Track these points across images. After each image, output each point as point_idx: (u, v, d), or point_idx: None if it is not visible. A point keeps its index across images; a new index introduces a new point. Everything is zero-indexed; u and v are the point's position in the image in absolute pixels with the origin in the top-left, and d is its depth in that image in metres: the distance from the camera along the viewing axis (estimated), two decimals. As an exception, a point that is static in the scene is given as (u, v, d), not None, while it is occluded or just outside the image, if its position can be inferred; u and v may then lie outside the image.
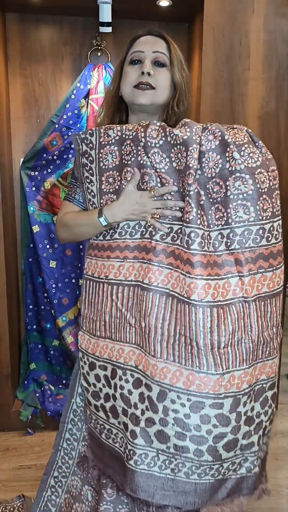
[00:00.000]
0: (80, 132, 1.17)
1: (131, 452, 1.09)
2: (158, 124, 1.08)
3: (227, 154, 1.02)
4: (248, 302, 1.03)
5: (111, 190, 1.15)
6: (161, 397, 1.05)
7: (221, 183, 1.02)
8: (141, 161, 1.10)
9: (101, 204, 1.16)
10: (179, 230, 1.05)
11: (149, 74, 1.17)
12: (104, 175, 1.15)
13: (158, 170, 1.07)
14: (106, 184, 1.15)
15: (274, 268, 1.06)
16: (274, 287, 1.07)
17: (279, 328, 1.11)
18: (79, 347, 1.24)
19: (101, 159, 1.14)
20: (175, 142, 1.04)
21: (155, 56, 1.20)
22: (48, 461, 1.44)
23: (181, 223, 1.05)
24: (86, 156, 1.16)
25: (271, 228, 1.04)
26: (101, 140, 1.14)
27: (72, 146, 2.07)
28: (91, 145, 1.15)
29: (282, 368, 2.61)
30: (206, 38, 2.10)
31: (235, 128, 1.09)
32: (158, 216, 1.09)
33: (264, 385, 1.10)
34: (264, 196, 1.02)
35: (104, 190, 1.16)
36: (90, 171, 1.16)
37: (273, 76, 2.20)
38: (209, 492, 1.08)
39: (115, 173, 1.14)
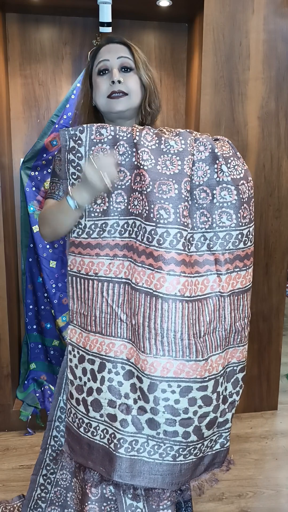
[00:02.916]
0: (70, 128, 1.18)
1: (121, 440, 1.15)
2: (153, 130, 1.14)
3: (215, 166, 1.12)
4: (224, 297, 1.15)
5: None
6: (151, 389, 1.11)
7: (208, 191, 1.13)
8: (135, 162, 1.13)
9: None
10: (152, 231, 1.09)
11: (119, 81, 1.21)
12: None
13: (141, 167, 1.10)
14: None
15: (247, 267, 1.20)
16: (246, 283, 1.20)
17: (249, 319, 1.24)
18: (69, 341, 1.27)
19: (91, 156, 1.15)
20: (168, 150, 1.11)
21: (121, 61, 1.23)
22: (36, 460, 1.47)
23: (169, 225, 1.08)
24: (74, 152, 1.17)
25: (248, 233, 1.17)
26: (92, 137, 1.15)
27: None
28: (79, 141, 1.16)
29: (282, 368, 2.61)
30: (206, 38, 2.11)
31: (219, 139, 1.20)
32: (110, 183, 1.09)
33: (235, 368, 1.23)
34: (244, 205, 1.15)
35: None
36: (78, 168, 1.17)
37: (273, 76, 2.20)
38: (191, 470, 1.19)
39: None
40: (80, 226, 1.20)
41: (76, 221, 1.19)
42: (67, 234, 1.23)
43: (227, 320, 1.16)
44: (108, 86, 1.22)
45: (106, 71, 1.23)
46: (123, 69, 1.23)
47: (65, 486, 1.44)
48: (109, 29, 2.05)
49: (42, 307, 2.46)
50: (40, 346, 2.51)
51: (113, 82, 1.21)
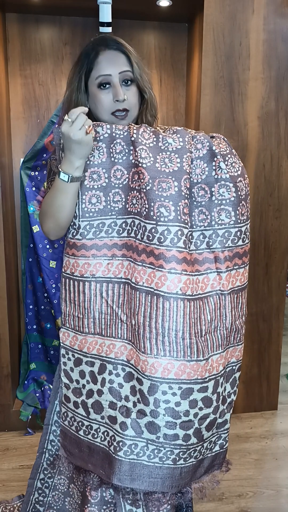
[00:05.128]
0: None
1: (121, 443, 1.13)
2: (149, 128, 1.14)
3: (213, 163, 1.12)
4: (224, 295, 1.15)
5: (95, 187, 1.15)
6: (152, 390, 1.09)
7: (206, 189, 1.13)
8: (133, 161, 1.12)
9: (83, 200, 1.15)
10: (153, 230, 1.08)
11: (124, 100, 1.18)
12: (88, 171, 1.14)
13: (140, 165, 1.09)
14: (90, 180, 1.14)
15: (245, 264, 1.20)
16: (244, 281, 1.21)
17: (245, 317, 1.25)
18: (62, 344, 1.25)
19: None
20: (166, 148, 1.10)
21: (122, 76, 1.20)
22: (33, 464, 1.46)
23: (170, 223, 1.07)
24: None
25: (245, 230, 1.18)
26: None
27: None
28: None
29: (282, 368, 2.61)
30: (206, 38, 2.11)
31: (214, 136, 1.19)
32: (87, 128, 1.05)
33: (234, 367, 1.23)
34: (242, 202, 1.15)
35: (87, 186, 1.15)
36: None
37: (273, 76, 2.20)
38: (191, 473, 1.19)
39: (101, 170, 1.14)
40: (74, 226, 1.18)
41: (75, 199, 1.14)
42: (70, 223, 1.18)
43: (228, 318, 1.16)
44: (111, 103, 1.19)
45: (108, 85, 1.20)
46: (124, 82, 1.20)
47: (63, 491, 1.44)
48: (109, 29, 2.05)
49: (42, 307, 2.47)
50: (40, 346, 2.51)
51: (117, 100, 1.18)
